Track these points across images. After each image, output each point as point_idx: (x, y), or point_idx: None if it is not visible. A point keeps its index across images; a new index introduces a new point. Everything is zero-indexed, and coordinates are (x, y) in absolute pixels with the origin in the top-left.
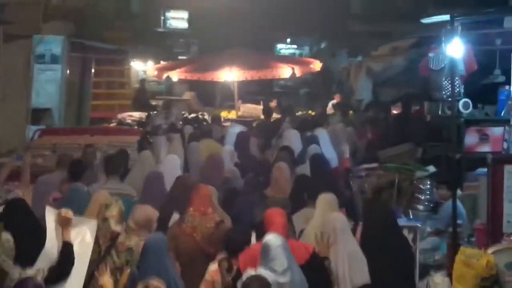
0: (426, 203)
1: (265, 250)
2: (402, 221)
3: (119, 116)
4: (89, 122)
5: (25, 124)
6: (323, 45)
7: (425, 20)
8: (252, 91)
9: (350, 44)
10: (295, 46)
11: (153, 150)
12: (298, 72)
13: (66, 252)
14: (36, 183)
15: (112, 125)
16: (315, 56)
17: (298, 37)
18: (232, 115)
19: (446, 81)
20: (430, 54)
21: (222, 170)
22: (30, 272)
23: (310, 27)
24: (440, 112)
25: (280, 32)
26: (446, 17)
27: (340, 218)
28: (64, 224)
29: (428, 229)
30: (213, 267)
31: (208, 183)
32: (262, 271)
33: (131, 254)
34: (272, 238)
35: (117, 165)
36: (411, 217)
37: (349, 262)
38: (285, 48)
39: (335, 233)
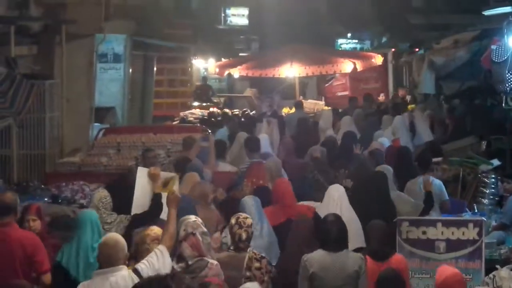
0: (491, 197)
1: (241, 207)
2: (466, 215)
3: (182, 113)
4: (152, 120)
5: (89, 123)
6: (384, 39)
7: (487, 12)
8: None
9: (411, 38)
10: (356, 41)
11: (256, 132)
12: (359, 66)
13: (156, 200)
14: None
15: (174, 122)
16: (376, 50)
17: (358, 32)
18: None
19: (509, 73)
20: (493, 46)
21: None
22: (115, 217)
23: (370, 21)
24: (503, 105)
25: (341, 26)
26: (508, 8)
27: (339, 188)
28: (153, 179)
29: (493, 223)
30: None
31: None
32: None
33: None
34: (247, 199)
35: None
36: (476, 211)
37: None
38: (345, 43)
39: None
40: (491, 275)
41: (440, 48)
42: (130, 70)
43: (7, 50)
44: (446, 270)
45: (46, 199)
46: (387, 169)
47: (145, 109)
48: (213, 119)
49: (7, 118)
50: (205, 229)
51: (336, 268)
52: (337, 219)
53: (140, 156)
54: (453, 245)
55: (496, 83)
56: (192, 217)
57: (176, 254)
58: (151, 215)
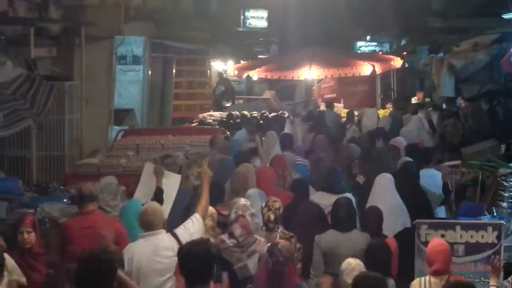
0: (510, 200)
1: (247, 196)
2: (485, 219)
3: (200, 115)
4: (171, 122)
5: (108, 125)
6: (403, 42)
7: (507, 16)
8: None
9: (430, 40)
10: (375, 43)
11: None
12: (378, 69)
13: (158, 194)
14: None
15: (193, 124)
16: (395, 53)
17: (377, 34)
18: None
19: None
20: None
21: None
22: (117, 202)
23: (390, 24)
24: None
25: (360, 29)
26: None
27: (386, 176)
28: (158, 174)
29: None
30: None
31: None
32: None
33: None
34: (251, 191)
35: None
36: (495, 214)
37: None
38: (364, 46)
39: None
40: (509, 279)
41: (459, 51)
42: (149, 72)
43: (27, 52)
44: (434, 240)
45: (65, 200)
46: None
47: (164, 111)
48: (231, 121)
49: (27, 120)
50: (253, 211)
51: (346, 246)
52: (346, 202)
53: (158, 160)
54: (472, 249)
55: None
56: (242, 200)
57: (228, 232)
58: None
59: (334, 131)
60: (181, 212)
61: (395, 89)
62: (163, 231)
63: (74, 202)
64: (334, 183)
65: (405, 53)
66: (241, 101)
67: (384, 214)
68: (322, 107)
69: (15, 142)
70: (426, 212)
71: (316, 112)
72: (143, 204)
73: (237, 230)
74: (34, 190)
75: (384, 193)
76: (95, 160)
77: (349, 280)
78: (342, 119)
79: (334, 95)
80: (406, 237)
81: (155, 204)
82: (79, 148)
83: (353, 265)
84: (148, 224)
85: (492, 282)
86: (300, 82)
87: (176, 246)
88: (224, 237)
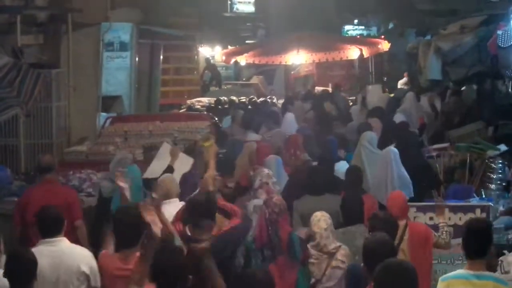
0: (498, 182)
1: (265, 164)
2: (474, 201)
3: (188, 101)
4: (159, 109)
5: (96, 112)
6: (391, 25)
7: None
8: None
9: (418, 23)
10: (362, 27)
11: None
12: (366, 53)
13: (168, 172)
14: None
15: (181, 111)
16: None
17: (365, 18)
18: None
19: None
20: (499, 32)
21: None
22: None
23: (377, 7)
24: (510, 90)
25: (347, 13)
26: None
27: (392, 149)
28: (173, 155)
29: (501, 208)
30: None
31: None
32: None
33: None
34: (268, 159)
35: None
36: (483, 196)
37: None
38: (352, 29)
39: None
40: (498, 260)
41: (447, 33)
42: (137, 59)
43: (14, 40)
44: (393, 193)
45: None
46: None
47: (152, 97)
48: (220, 106)
49: (14, 108)
50: (275, 179)
51: (320, 208)
52: (322, 169)
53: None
54: (460, 231)
55: (502, 68)
56: (266, 170)
57: (253, 196)
58: None
59: (344, 111)
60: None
61: (373, 73)
62: (177, 199)
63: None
64: (330, 152)
65: (382, 36)
66: (229, 86)
67: (388, 184)
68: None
69: (2, 131)
70: (427, 184)
71: (313, 91)
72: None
73: (263, 194)
74: (23, 179)
75: (388, 165)
76: (83, 148)
77: (316, 229)
78: (349, 101)
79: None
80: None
81: (171, 176)
82: (67, 135)
83: (318, 216)
84: (164, 192)
85: (441, 220)
86: (279, 67)
87: None
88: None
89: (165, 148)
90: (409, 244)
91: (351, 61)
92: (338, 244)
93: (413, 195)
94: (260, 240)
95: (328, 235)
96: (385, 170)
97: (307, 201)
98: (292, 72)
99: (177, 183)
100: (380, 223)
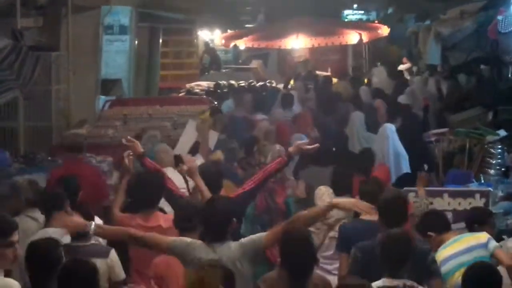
0: (497, 167)
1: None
2: (473, 186)
3: (188, 85)
4: (158, 92)
5: (95, 95)
6: (390, 10)
7: None
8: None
9: (417, 8)
10: (361, 12)
11: None
12: (365, 37)
13: (195, 147)
14: None
15: (180, 94)
16: (382, 21)
17: (364, 3)
18: None
19: None
20: (499, 17)
21: None
22: None
23: None
24: (510, 75)
25: None
26: None
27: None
28: (200, 131)
29: (500, 193)
30: None
31: None
32: None
33: None
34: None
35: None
36: (482, 181)
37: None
38: (351, 14)
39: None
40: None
41: (446, 18)
42: (136, 42)
43: (13, 22)
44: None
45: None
46: None
47: (151, 81)
48: (219, 90)
49: (14, 90)
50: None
51: (322, 178)
52: (327, 143)
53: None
54: (459, 216)
55: (502, 54)
56: (277, 146)
57: None
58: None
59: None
60: None
61: (367, 58)
62: (171, 168)
63: None
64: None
65: (376, 21)
66: (227, 69)
67: (385, 159)
68: None
69: (1, 113)
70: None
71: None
72: None
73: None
74: (22, 161)
75: (384, 139)
76: (82, 131)
77: (319, 202)
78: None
79: None
80: (405, 182)
81: (167, 146)
82: (66, 118)
83: (322, 190)
84: (160, 161)
85: (420, 192)
86: (272, 51)
87: None
88: None
89: (191, 125)
90: None
91: (345, 46)
92: (339, 217)
93: (409, 171)
94: (260, 207)
95: None
96: (381, 145)
97: (311, 172)
98: (287, 56)
99: (172, 154)
100: (367, 187)
